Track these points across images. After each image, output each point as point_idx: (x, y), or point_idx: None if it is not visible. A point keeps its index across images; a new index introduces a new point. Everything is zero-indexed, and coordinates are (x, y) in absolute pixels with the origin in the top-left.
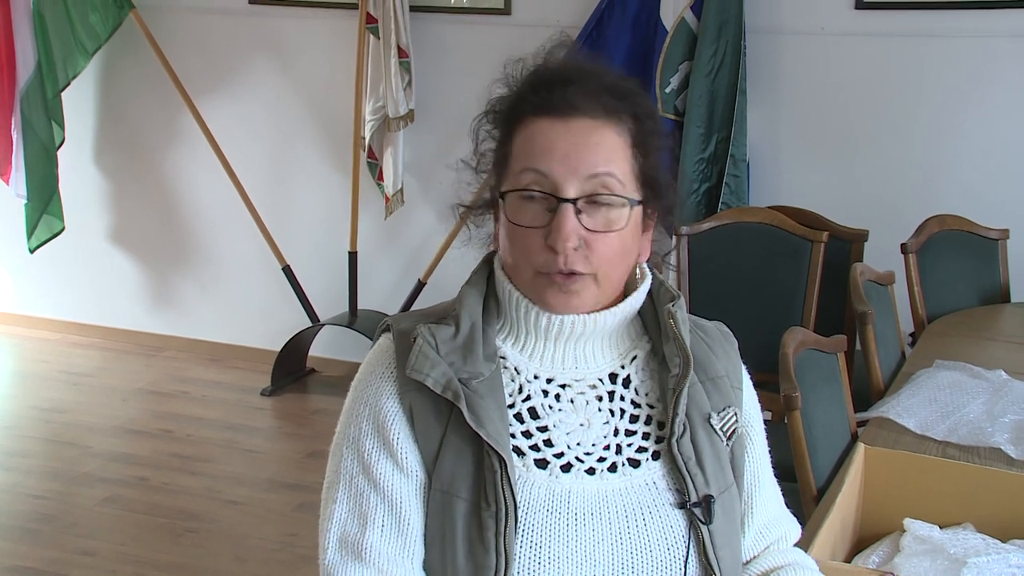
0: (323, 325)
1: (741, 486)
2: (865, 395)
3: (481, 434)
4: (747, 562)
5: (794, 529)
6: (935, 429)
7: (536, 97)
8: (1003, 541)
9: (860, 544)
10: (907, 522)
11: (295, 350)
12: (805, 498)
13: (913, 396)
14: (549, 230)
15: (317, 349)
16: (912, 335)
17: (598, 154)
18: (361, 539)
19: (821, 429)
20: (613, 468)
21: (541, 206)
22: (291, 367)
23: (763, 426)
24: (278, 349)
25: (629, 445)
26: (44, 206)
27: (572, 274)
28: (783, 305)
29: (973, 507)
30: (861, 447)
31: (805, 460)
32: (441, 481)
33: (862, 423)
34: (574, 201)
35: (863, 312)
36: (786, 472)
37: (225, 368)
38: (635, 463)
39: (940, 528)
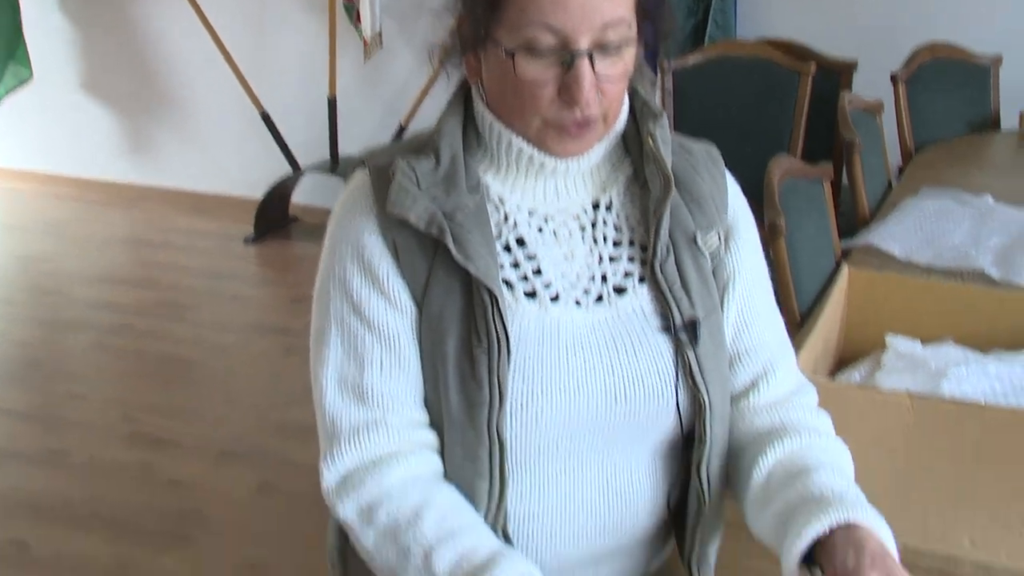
0: (304, 172)
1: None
2: (852, 226)
3: (470, 269)
4: (736, 397)
5: (782, 364)
6: (920, 254)
7: None
8: (984, 353)
9: (842, 364)
10: (889, 338)
11: (277, 198)
12: (789, 324)
13: (899, 223)
14: (565, 85)
15: (299, 197)
16: (901, 169)
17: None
18: (360, 380)
19: (806, 257)
20: (600, 299)
21: (551, 59)
22: (273, 215)
23: (755, 248)
24: (260, 197)
25: (615, 273)
26: (10, 54)
27: (586, 122)
28: (771, 139)
29: (955, 324)
30: (846, 269)
31: (789, 287)
32: (430, 318)
33: (847, 251)
34: (589, 53)
35: (850, 141)
36: None
37: (207, 218)
38: (621, 290)
39: (922, 344)
